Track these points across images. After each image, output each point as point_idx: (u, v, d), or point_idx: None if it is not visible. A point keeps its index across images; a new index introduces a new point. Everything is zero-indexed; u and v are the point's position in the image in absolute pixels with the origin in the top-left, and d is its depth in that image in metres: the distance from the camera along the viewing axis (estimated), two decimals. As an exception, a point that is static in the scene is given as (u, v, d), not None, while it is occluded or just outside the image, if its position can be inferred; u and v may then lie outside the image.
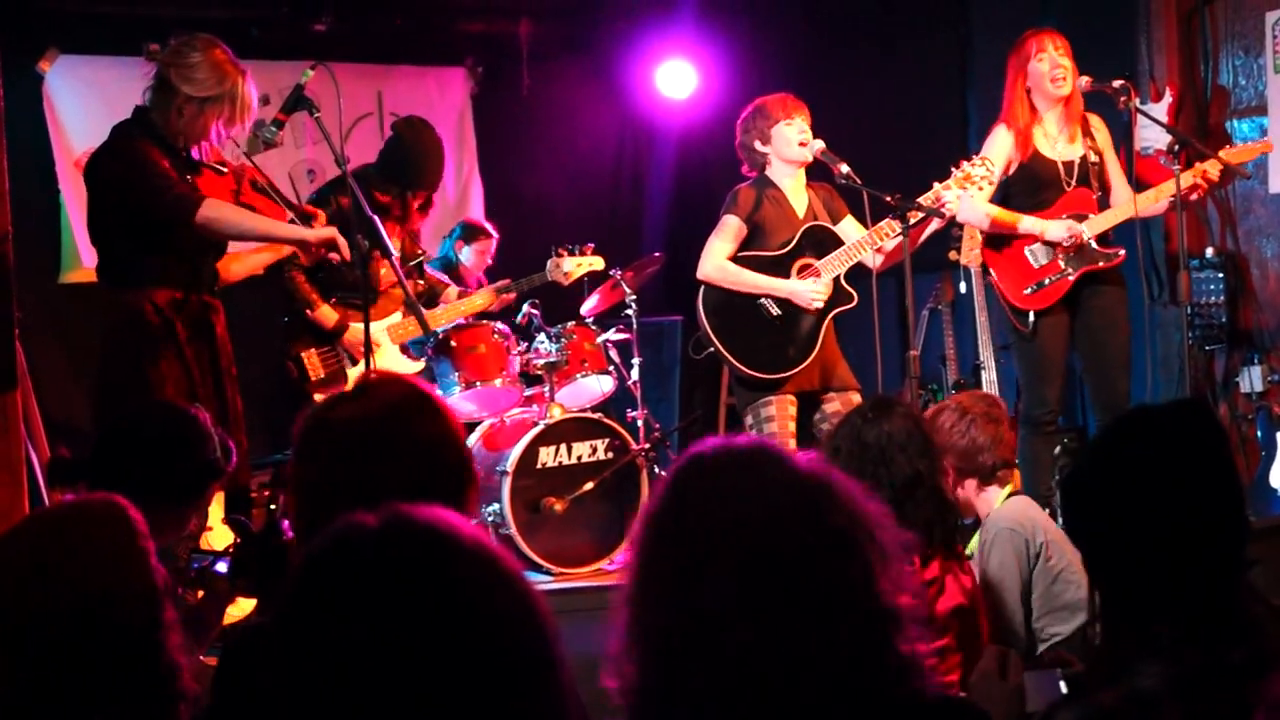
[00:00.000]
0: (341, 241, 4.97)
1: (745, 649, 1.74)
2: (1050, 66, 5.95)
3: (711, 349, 5.92)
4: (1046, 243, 5.92)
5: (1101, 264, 5.92)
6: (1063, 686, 2.44)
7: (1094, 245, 5.90)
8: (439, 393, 6.45)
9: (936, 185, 5.72)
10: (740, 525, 1.78)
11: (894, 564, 1.83)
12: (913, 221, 5.50)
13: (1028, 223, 5.95)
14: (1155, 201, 5.94)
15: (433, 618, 1.46)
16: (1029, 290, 5.96)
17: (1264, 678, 1.98)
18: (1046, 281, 5.95)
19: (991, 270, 6.15)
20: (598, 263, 6.80)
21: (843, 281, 5.88)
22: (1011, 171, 6.03)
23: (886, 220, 5.67)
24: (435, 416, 2.34)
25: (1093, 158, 6.02)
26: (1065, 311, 6.00)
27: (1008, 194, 6.06)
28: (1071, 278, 5.91)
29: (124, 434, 3.38)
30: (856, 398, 5.88)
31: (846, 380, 5.96)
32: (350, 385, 5.59)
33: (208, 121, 4.83)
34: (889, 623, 1.80)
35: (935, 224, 5.73)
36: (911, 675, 1.81)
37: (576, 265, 6.71)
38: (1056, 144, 6.01)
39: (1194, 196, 5.98)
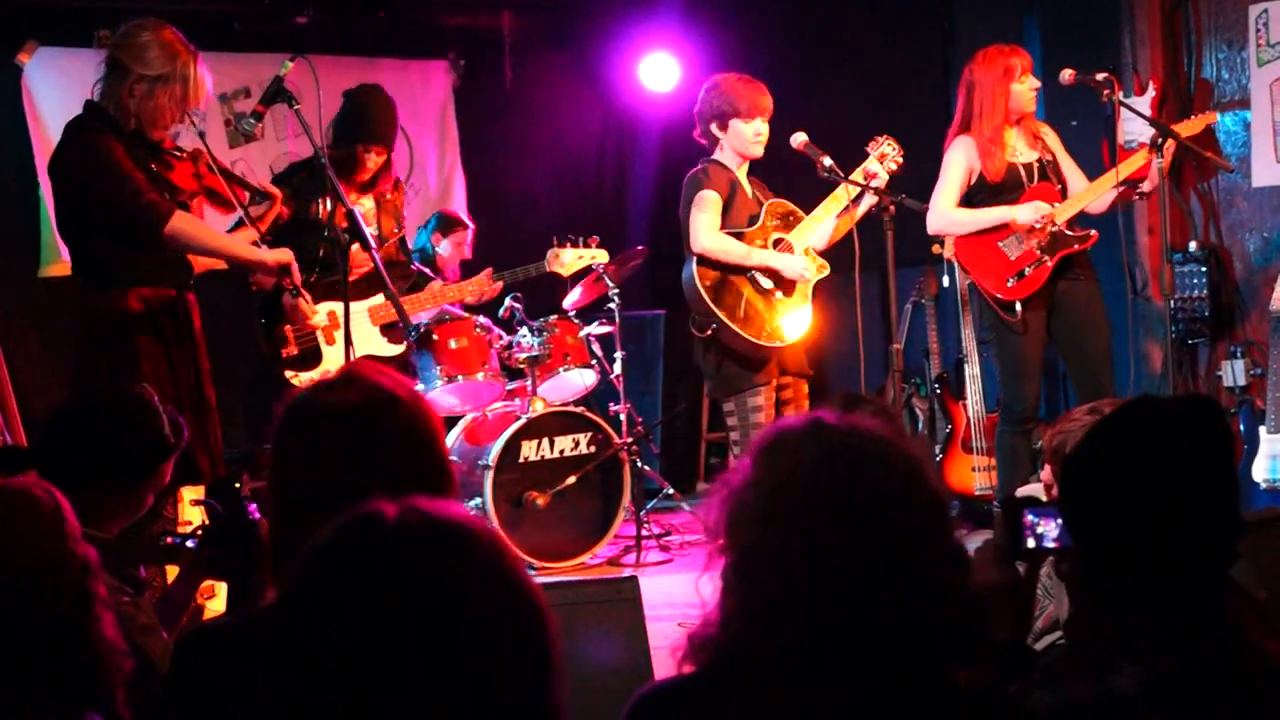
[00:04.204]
0: (294, 267, 5.01)
1: (851, 608, 1.79)
2: (1029, 89, 6.09)
3: (715, 325, 5.78)
4: (1019, 230, 5.99)
5: (1076, 246, 6.00)
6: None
7: (1065, 230, 5.99)
8: (421, 386, 6.44)
9: (862, 165, 5.88)
10: (871, 496, 1.83)
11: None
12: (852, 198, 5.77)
13: (996, 213, 6.04)
14: (1110, 187, 6.00)
15: (449, 610, 1.46)
16: (1011, 282, 6.01)
17: (1239, 682, 1.98)
18: (1026, 271, 6.01)
19: (968, 269, 6.19)
20: (601, 255, 6.71)
21: (814, 252, 5.90)
22: (974, 180, 6.10)
23: (840, 187, 5.77)
24: (420, 410, 2.34)
25: (1048, 156, 6.17)
26: (1042, 308, 6.06)
27: (972, 201, 6.14)
28: (1050, 263, 5.99)
29: (70, 417, 3.35)
30: (804, 387, 5.94)
31: (802, 365, 5.95)
32: (327, 367, 5.58)
33: (160, 102, 4.77)
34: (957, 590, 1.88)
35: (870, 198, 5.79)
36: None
37: (578, 258, 6.61)
38: (1016, 150, 6.10)
39: (1146, 186, 6.04)
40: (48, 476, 3.22)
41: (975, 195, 6.14)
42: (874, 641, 1.78)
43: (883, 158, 5.90)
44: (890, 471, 1.85)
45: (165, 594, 3.37)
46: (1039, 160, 6.13)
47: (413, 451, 2.29)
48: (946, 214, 6.12)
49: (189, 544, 3.26)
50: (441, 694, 1.44)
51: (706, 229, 5.76)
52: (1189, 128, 6.14)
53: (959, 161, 6.11)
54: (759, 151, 5.88)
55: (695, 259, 5.78)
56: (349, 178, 6.01)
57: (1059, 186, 6.12)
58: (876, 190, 5.65)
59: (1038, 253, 5.98)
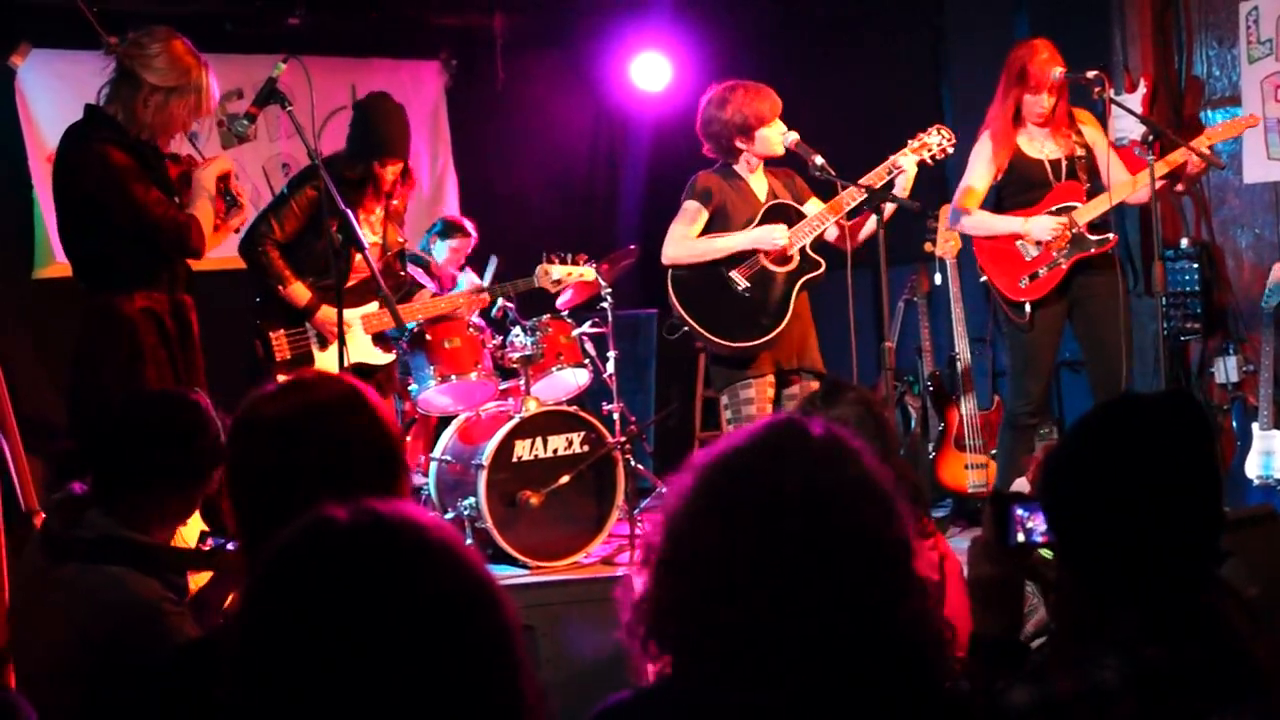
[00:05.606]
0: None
1: (815, 621, 1.75)
2: (1040, 102, 6.06)
3: (685, 329, 5.89)
4: (1031, 242, 6.02)
5: (1093, 250, 6.01)
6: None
7: (1085, 233, 5.99)
8: (414, 386, 6.43)
9: (892, 156, 5.76)
10: (841, 502, 1.80)
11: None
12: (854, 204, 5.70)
13: (1010, 224, 6.04)
14: (1137, 189, 6.01)
15: (403, 611, 1.47)
16: (1024, 282, 6.03)
17: (1223, 677, 1.99)
18: (1040, 272, 6.03)
19: (983, 267, 6.21)
20: (588, 273, 6.73)
21: (809, 251, 5.89)
22: (999, 177, 6.12)
23: (848, 190, 5.71)
24: (362, 412, 2.36)
25: (1080, 152, 6.13)
26: (1060, 303, 6.09)
27: (999, 196, 6.16)
28: (1064, 266, 6.01)
29: (129, 421, 3.33)
30: (816, 385, 5.92)
31: (815, 363, 5.96)
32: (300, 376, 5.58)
33: (174, 112, 4.79)
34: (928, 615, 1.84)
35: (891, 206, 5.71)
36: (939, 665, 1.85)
37: (567, 274, 6.62)
38: (1042, 145, 6.09)
39: (1180, 187, 6.06)
40: (101, 482, 3.21)
41: (1002, 190, 6.20)
42: (819, 641, 1.75)
43: (921, 148, 5.80)
44: (822, 470, 1.82)
45: (198, 595, 3.37)
46: (1067, 157, 6.12)
47: (352, 456, 2.31)
48: (963, 213, 6.13)
49: (229, 546, 3.25)
50: (404, 692, 1.44)
51: (674, 240, 5.90)
52: (1224, 132, 6.14)
53: (983, 156, 6.12)
54: (782, 149, 5.88)
55: (669, 269, 5.88)
56: (373, 193, 6.00)
57: (1087, 185, 6.12)
58: (868, 188, 5.64)
59: (1054, 254, 6.01)
